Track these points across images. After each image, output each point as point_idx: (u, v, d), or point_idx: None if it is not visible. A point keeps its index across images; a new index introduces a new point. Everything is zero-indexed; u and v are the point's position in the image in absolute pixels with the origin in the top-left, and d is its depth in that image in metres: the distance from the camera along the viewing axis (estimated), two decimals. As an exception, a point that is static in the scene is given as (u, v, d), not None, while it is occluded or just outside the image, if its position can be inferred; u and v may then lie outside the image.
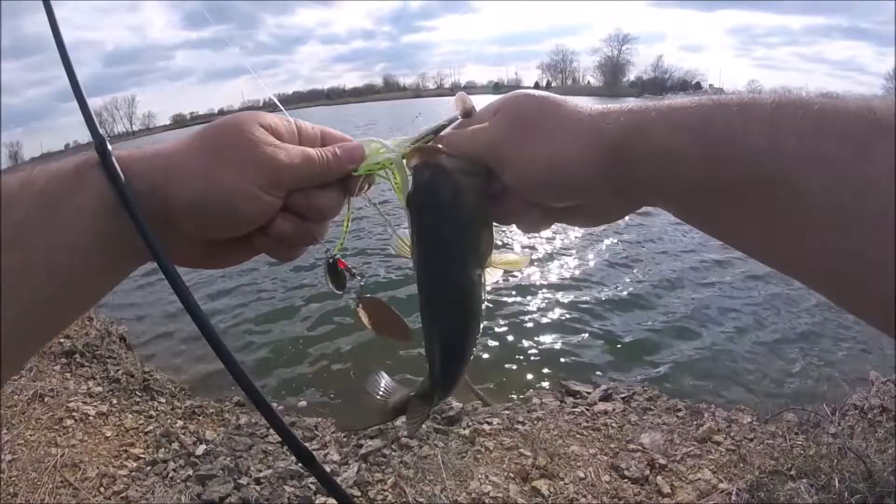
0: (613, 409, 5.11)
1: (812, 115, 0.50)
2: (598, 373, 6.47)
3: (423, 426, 4.57)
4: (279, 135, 0.72)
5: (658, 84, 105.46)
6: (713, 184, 0.56)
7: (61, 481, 4.03)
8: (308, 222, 0.74)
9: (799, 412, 4.95)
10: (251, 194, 0.66)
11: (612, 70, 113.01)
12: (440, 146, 0.73)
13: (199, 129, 0.70)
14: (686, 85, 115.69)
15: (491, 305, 8.51)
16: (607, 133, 0.62)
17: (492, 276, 0.80)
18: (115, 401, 5.58)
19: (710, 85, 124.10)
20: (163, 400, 5.78)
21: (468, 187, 0.70)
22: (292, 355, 7.35)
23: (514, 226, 0.78)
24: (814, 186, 0.48)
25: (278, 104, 0.78)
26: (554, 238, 11.78)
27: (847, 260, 0.49)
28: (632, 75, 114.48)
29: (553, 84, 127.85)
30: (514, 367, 6.69)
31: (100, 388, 5.79)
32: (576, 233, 11.93)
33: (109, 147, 0.67)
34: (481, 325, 0.81)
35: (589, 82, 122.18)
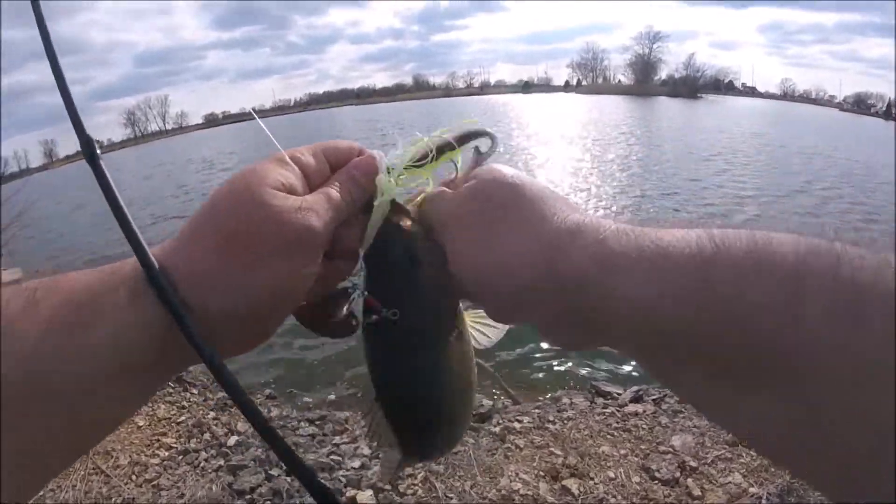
0: (644, 411, 5.06)
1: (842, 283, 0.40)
2: (629, 373, 6.41)
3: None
4: (293, 188, 0.62)
5: (690, 82, 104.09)
6: (699, 351, 0.47)
7: (93, 468, 4.08)
8: (338, 261, 0.67)
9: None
10: (297, 283, 0.60)
11: (643, 68, 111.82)
12: (409, 209, 0.68)
13: (207, 206, 0.61)
14: (718, 83, 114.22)
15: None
16: (569, 260, 0.53)
17: (485, 335, 0.78)
18: (148, 392, 5.64)
19: (742, 83, 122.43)
20: (195, 391, 5.83)
21: (421, 257, 0.66)
22: (322, 348, 7.37)
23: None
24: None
25: (266, 131, 0.69)
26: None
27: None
28: (663, 73, 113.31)
29: (584, 82, 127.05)
30: (544, 366, 6.66)
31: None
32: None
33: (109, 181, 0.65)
34: (456, 394, 0.75)
35: (620, 81, 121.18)
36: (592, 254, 0.51)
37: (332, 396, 6.13)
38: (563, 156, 25.34)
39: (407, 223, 0.66)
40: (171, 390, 5.78)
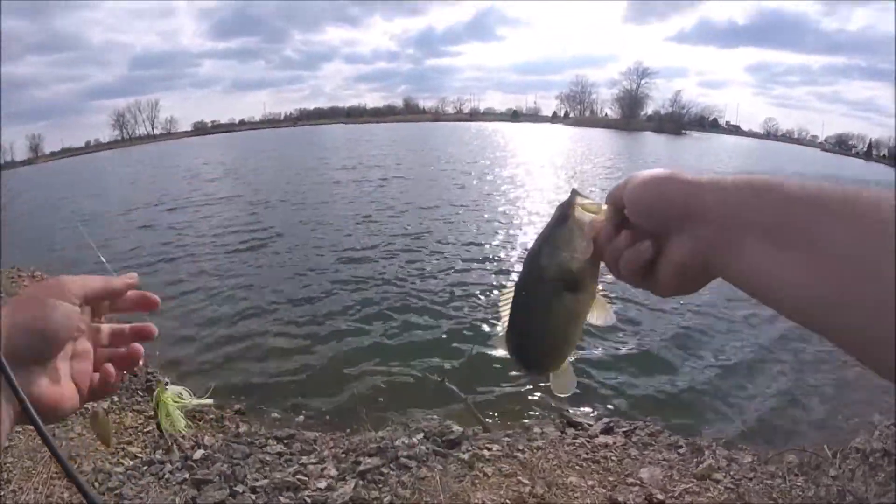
0: (614, 443, 5.07)
1: None
2: (601, 405, 6.44)
3: (424, 448, 4.57)
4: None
5: (675, 118, 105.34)
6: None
7: (56, 472, 4.02)
8: None
9: (799, 453, 4.91)
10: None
11: (630, 103, 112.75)
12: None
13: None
14: (703, 121, 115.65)
15: (493, 328, 8.50)
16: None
17: (595, 313, 0.87)
18: (116, 398, 5.59)
19: (726, 122, 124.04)
20: (164, 402, 5.77)
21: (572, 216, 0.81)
22: (293, 370, 7.37)
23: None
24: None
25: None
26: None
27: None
28: (650, 109, 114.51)
29: (571, 114, 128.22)
30: (517, 395, 6.65)
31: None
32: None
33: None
34: (564, 345, 0.89)
35: (606, 114, 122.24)
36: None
37: (300, 418, 6.10)
38: (548, 185, 25.49)
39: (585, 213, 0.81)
40: (139, 399, 5.73)
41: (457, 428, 4.97)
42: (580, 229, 0.79)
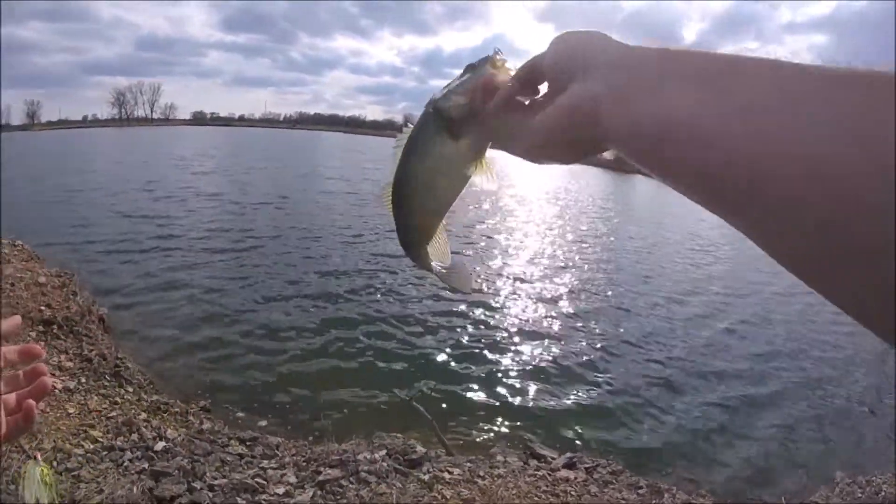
0: (575, 478, 5.09)
1: None
2: (567, 439, 6.47)
3: (385, 464, 4.57)
4: None
5: None
6: None
7: (15, 447, 4.00)
8: None
9: None
10: None
11: None
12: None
13: None
14: None
15: (467, 352, 8.57)
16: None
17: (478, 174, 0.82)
18: (83, 379, 5.57)
19: None
20: (130, 389, 5.76)
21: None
22: (262, 374, 7.35)
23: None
24: None
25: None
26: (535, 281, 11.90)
27: None
28: None
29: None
30: (485, 422, 6.68)
31: (70, 364, 5.79)
32: (561, 279, 12.08)
33: None
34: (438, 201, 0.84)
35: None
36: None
37: (263, 423, 6.09)
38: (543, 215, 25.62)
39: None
40: (106, 383, 5.70)
41: (420, 448, 4.98)
42: (479, 77, 0.74)
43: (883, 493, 5.39)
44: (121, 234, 14.19)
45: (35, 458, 3.22)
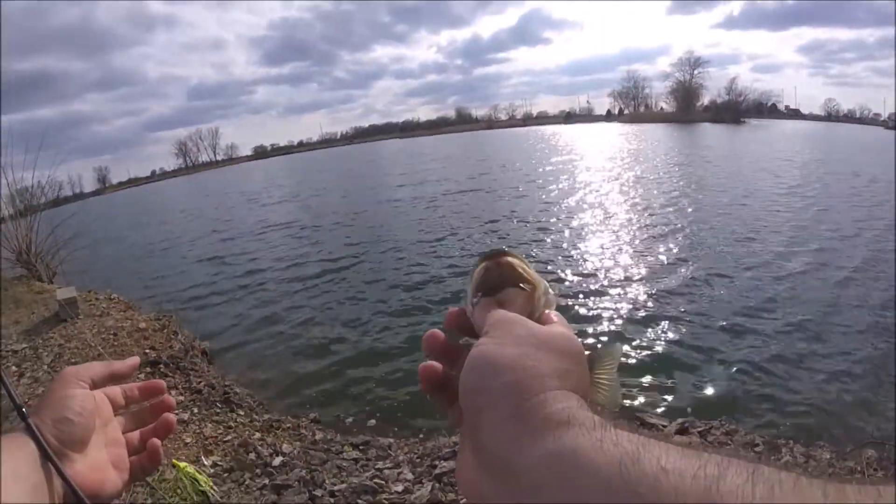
0: (690, 443, 4.92)
1: None
2: (675, 405, 6.36)
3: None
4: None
5: (732, 107, 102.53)
6: None
7: (139, 482, 4.15)
8: None
9: (880, 447, 4.77)
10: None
11: (685, 95, 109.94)
12: None
13: None
14: (762, 107, 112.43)
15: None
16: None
17: None
18: (196, 410, 5.75)
19: (786, 106, 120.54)
20: (241, 412, 5.92)
21: None
22: (365, 380, 7.50)
23: None
24: None
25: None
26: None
27: None
28: (705, 99, 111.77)
29: (625, 111, 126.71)
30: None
31: (182, 398, 5.97)
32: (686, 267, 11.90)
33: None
34: None
35: (662, 108, 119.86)
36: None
37: (373, 422, 6.21)
38: (617, 186, 25.30)
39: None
40: (217, 410, 5.87)
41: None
42: None
43: None
44: (207, 277, 14.79)
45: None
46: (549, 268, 12.16)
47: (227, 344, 9.09)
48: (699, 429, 5.35)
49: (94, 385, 0.83)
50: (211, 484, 3.71)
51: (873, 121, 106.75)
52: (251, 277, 13.92)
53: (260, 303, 11.42)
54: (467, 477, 0.53)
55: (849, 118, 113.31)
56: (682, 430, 5.31)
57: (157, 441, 0.88)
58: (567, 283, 11.02)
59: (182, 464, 3.46)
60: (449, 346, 0.66)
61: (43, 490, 0.71)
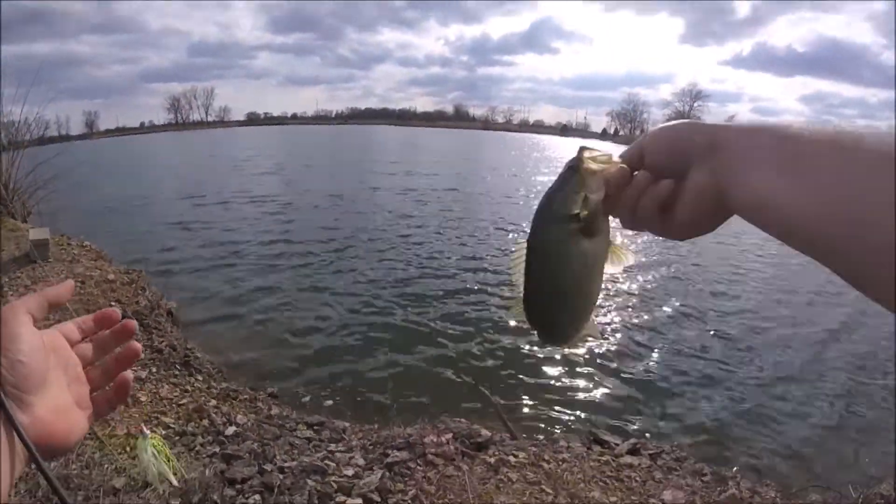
0: (639, 464, 5.04)
1: None
2: (628, 426, 6.45)
3: (452, 447, 4.61)
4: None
5: None
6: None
7: (89, 434, 4.12)
8: None
9: (824, 492, 4.86)
10: None
11: None
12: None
13: None
14: None
15: (531, 337, 8.61)
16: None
17: (613, 259, 0.84)
18: (154, 369, 5.74)
19: None
20: (200, 378, 5.91)
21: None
22: (327, 360, 7.55)
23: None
24: None
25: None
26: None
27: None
28: None
29: (621, 132, 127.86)
30: (548, 408, 6.72)
31: (142, 355, 5.93)
32: (635, 280, 11.98)
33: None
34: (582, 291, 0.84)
35: None
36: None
37: (329, 403, 6.24)
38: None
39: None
40: (176, 373, 5.86)
41: (485, 432, 5.00)
42: (591, 175, 0.77)
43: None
44: (180, 241, 14.60)
45: (142, 431, 3.32)
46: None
47: (192, 308, 9.03)
48: (650, 451, 5.41)
49: (36, 319, 0.76)
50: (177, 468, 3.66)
51: None
52: (225, 248, 13.79)
53: (231, 273, 11.37)
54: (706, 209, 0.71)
55: None
56: (634, 451, 5.37)
57: (127, 374, 0.84)
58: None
59: (156, 438, 3.41)
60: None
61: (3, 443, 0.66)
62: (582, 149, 0.79)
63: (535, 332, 0.90)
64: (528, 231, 0.83)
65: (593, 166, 0.77)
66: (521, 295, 0.86)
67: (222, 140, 61.80)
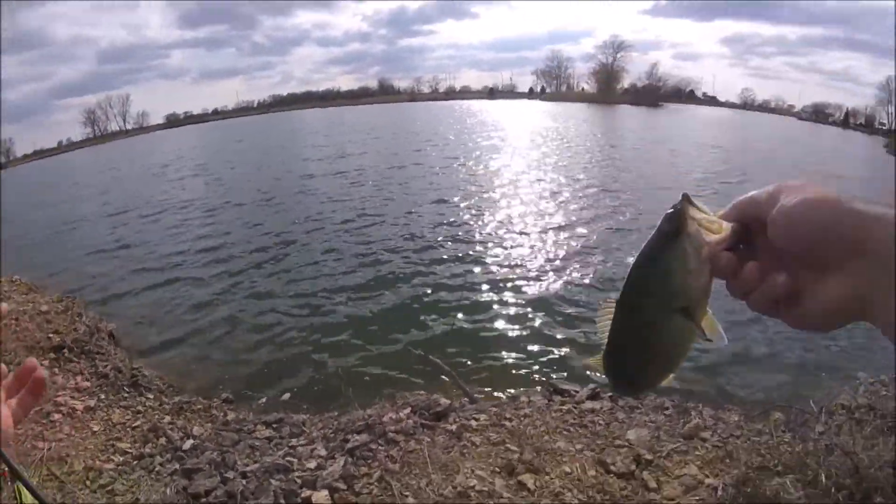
0: (601, 408, 5.11)
1: None
2: (586, 373, 6.50)
3: (411, 422, 4.61)
4: None
5: (651, 91, 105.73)
6: None
7: (47, 475, 4.03)
8: None
9: (786, 410, 4.97)
10: None
11: (606, 77, 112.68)
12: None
13: None
14: (680, 92, 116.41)
15: (478, 300, 8.66)
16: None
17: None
18: (102, 396, 5.59)
19: (703, 93, 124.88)
20: (150, 396, 5.79)
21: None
22: (276, 355, 7.48)
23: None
24: None
25: None
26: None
27: None
28: (626, 82, 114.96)
29: (548, 90, 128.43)
30: (504, 366, 6.76)
31: (88, 384, 5.79)
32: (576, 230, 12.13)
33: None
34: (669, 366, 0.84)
35: (583, 89, 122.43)
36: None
37: (287, 396, 6.17)
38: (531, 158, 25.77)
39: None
40: (125, 395, 5.72)
41: (444, 401, 5.00)
42: (696, 250, 0.71)
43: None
44: (111, 258, 14.06)
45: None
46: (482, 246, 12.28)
47: (135, 327, 8.75)
48: (610, 394, 5.48)
49: None
50: None
51: (787, 111, 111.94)
52: (160, 261, 13.24)
53: (169, 287, 10.92)
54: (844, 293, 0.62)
55: (763, 108, 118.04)
56: (594, 396, 5.44)
57: (40, 372, 0.87)
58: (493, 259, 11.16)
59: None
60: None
61: None
62: (685, 201, 0.73)
63: (611, 384, 0.91)
64: (620, 290, 0.79)
65: (699, 236, 0.71)
66: (605, 350, 0.83)
67: (143, 147, 59.70)
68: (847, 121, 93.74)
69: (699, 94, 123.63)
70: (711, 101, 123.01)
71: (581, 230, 13.04)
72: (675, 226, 0.72)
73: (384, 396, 5.54)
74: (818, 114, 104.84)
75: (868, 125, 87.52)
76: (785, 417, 4.86)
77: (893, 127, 79.42)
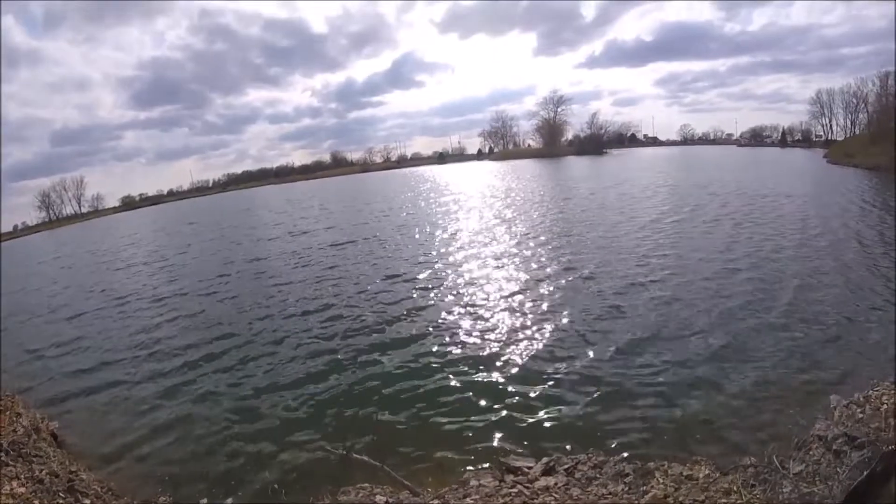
0: (555, 484, 5.02)
1: None
2: (542, 443, 6.29)
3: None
4: None
5: (594, 139, 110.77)
6: None
7: None
8: None
9: (758, 458, 4.89)
10: None
11: (550, 131, 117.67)
12: None
13: None
14: (622, 137, 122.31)
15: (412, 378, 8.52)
16: None
17: None
18: (37, 503, 5.37)
19: (644, 135, 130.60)
20: (87, 502, 5.57)
21: None
22: (211, 459, 7.15)
23: None
24: None
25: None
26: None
27: None
28: (570, 134, 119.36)
29: (495, 149, 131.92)
30: (448, 445, 6.50)
31: (23, 489, 5.57)
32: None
33: None
34: None
35: (529, 144, 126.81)
36: None
37: (230, 501, 5.93)
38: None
39: None
40: (61, 501, 5.53)
41: (380, 498, 4.83)
42: None
43: (885, 407, 5.34)
44: (56, 352, 13.55)
45: None
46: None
47: (80, 425, 8.43)
48: (565, 466, 5.40)
49: None
50: None
51: (726, 141, 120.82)
52: (107, 355, 12.68)
53: (114, 383, 10.39)
54: None
55: (704, 140, 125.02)
56: (549, 471, 5.34)
57: None
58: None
59: None
60: None
61: None
62: None
63: None
64: None
65: None
66: None
67: (97, 233, 59.06)
68: (785, 139, 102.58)
69: (640, 136, 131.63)
70: (653, 141, 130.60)
71: (530, 294, 12.98)
72: None
73: (324, 493, 5.34)
74: (756, 137, 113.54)
75: (805, 140, 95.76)
76: (756, 466, 4.79)
77: (828, 137, 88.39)
